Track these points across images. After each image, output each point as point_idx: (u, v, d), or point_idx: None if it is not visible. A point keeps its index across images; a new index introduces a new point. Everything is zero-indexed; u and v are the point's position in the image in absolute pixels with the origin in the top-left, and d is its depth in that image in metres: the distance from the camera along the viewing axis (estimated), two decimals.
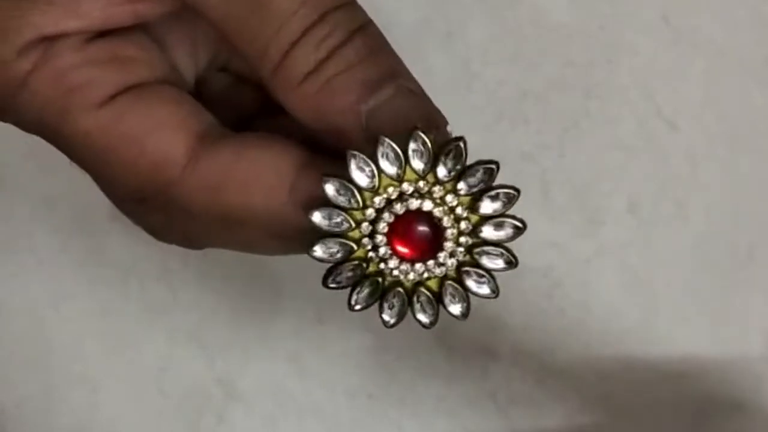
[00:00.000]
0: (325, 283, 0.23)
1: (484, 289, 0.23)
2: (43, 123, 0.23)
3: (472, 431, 0.36)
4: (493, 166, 0.22)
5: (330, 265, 0.23)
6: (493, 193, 0.22)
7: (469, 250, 0.23)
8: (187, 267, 0.36)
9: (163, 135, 0.23)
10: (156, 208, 0.24)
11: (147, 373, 0.36)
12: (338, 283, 0.23)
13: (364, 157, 0.22)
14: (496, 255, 0.23)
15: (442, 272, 0.23)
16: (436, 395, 0.36)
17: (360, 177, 0.22)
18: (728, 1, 0.37)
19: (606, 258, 0.36)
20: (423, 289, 0.23)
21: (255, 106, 0.27)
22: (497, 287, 0.23)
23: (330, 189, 0.22)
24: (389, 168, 0.22)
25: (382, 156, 0.22)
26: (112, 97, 0.23)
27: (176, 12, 0.24)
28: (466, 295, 0.23)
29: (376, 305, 0.23)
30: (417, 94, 0.23)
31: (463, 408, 0.36)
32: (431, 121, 0.23)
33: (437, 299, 0.23)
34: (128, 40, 0.24)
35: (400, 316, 0.23)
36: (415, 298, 0.23)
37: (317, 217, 0.22)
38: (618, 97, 0.37)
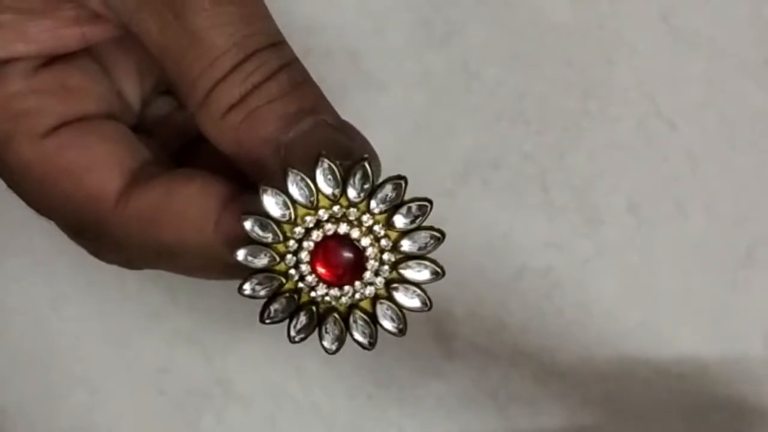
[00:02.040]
0: (261, 320, 0.24)
1: (415, 302, 0.24)
2: None
3: (472, 431, 0.36)
4: (401, 182, 0.23)
5: (264, 300, 0.23)
6: (405, 207, 0.23)
7: (394, 266, 0.23)
8: None
9: (99, 172, 0.24)
10: (92, 239, 0.25)
11: (146, 374, 0.36)
12: (273, 318, 0.24)
13: (276, 189, 0.22)
14: (421, 267, 0.24)
15: (371, 292, 0.24)
16: (435, 395, 0.36)
17: (275, 209, 0.23)
18: (728, 2, 0.37)
19: (606, 258, 0.36)
20: (358, 311, 0.24)
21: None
22: (428, 299, 0.24)
23: (249, 226, 0.23)
24: (301, 197, 0.22)
25: (293, 185, 0.22)
26: (56, 128, 0.24)
27: (122, 37, 0.25)
28: (400, 311, 0.24)
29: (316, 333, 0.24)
30: (336, 128, 0.24)
31: (462, 408, 0.36)
32: (344, 150, 0.24)
33: (372, 319, 0.24)
34: (76, 67, 0.25)
35: (341, 341, 0.24)
36: (351, 321, 0.24)
37: (242, 255, 0.23)
38: (618, 97, 0.37)
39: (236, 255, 0.23)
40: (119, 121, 0.26)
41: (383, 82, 0.36)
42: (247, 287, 0.23)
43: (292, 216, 0.23)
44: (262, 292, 0.23)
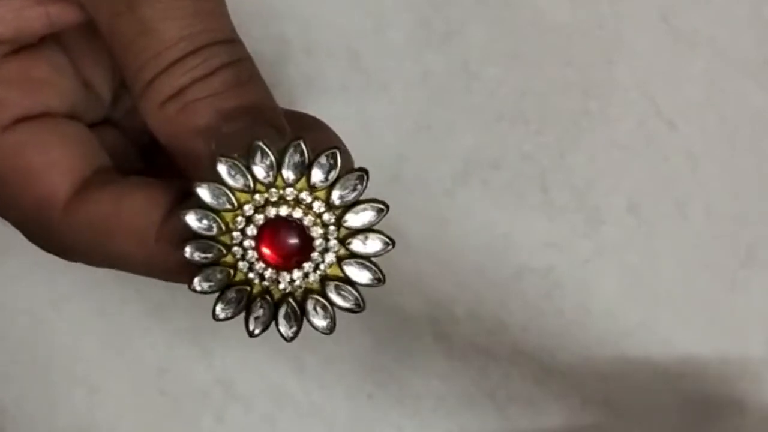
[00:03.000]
0: (214, 317, 0.24)
1: (347, 303, 0.24)
2: None
3: (472, 431, 0.36)
4: (336, 152, 0.22)
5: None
6: (342, 180, 0.23)
7: (341, 242, 0.23)
8: None
9: (51, 176, 0.24)
10: (42, 240, 0.25)
11: (146, 374, 0.36)
12: (227, 312, 0.24)
13: (210, 181, 0.22)
14: (370, 239, 0.23)
15: (322, 271, 0.23)
16: (435, 395, 0.36)
17: (211, 199, 0.22)
18: (728, 2, 0.37)
19: (606, 258, 0.36)
20: (290, 300, 0.23)
21: None
22: (361, 301, 0.23)
23: (190, 219, 0.22)
24: (236, 182, 0.22)
25: (225, 172, 0.22)
26: (17, 122, 0.24)
27: (91, 23, 0.24)
28: (331, 309, 0.23)
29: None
30: (276, 128, 0.24)
31: (462, 408, 0.36)
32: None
33: (302, 311, 0.24)
34: (42, 58, 0.25)
35: (298, 326, 0.24)
36: (307, 306, 0.24)
37: (189, 251, 0.23)
38: (618, 97, 0.37)
39: (184, 252, 0.23)
40: (84, 116, 0.26)
41: (383, 82, 0.36)
42: (197, 283, 0.23)
43: (234, 203, 0.22)
44: (213, 287, 0.23)
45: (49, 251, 0.26)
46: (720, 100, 0.37)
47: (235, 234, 0.23)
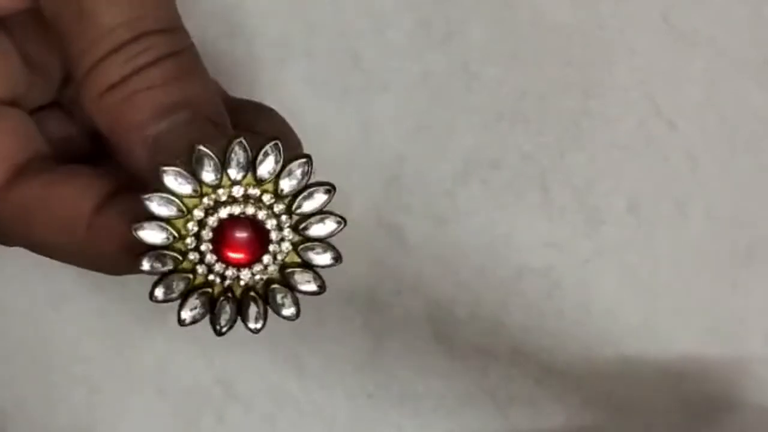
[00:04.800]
0: (180, 323, 0.24)
1: (311, 286, 0.24)
2: None
3: (472, 431, 0.36)
4: (277, 143, 0.23)
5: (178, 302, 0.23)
6: (287, 170, 0.23)
7: (295, 229, 0.23)
8: None
9: None
10: None
11: (146, 373, 0.36)
12: (194, 317, 0.24)
13: (159, 193, 0.22)
14: (323, 222, 0.24)
15: (281, 260, 0.24)
16: (435, 395, 0.36)
17: (163, 210, 0.22)
18: (728, 2, 0.37)
19: (606, 258, 0.36)
20: (252, 294, 0.24)
21: None
22: (323, 283, 0.24)
23: (146, 236, 0.22)
24: (183, 190, 0.22)
25: (176, 182, 0.22)
26: None
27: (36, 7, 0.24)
28: (294, 296, 0.24)
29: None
30: (215, 123, 0.24)
31: (462, 408, 0.36)
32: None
33: (265, 303, 0.24)
34: None
35: (264, 318, 0.24)
36: (271, 299, 0.24)
37: (147, 265, 0.23)
38: (618, 97, 0.37)
39: (142, 266, 0.23)
40: (27, 100, 0.26)
41: (384, 82, 0.36)
42: (159, 293, 0.23)
43: (183, 209, 0.22)
44: (175, 295, 0.23)
45: None
46: (720, 100, 0.37)
47: (189, 240, 0.23)
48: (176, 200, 0.22)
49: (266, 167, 0.23)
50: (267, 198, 0.23)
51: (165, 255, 0.23)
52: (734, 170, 0.37)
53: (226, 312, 0.24)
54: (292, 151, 0.24)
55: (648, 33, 0.37)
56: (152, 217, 0.22)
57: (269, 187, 0.23)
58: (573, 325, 0.36)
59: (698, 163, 0.37)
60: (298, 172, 0.23)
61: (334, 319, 0.36)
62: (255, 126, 0.27)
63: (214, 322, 0.24)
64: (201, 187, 0.22)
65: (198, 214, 0.23)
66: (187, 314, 0.24)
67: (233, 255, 0.23)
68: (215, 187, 0.22)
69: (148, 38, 0.23)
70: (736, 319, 0.37)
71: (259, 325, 0.24)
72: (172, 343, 0.36)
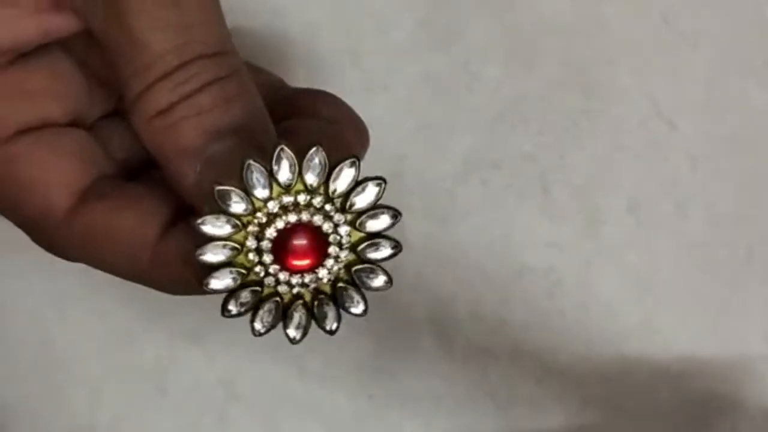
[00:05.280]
0: (223, 313, 0.24)
1: (378, 281, 0.24)
2: None
3: (472, 431, 0.36)
4: (355, 161, 0.23)
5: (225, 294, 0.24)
6: (360, 187, 0.23)
7: (353, 247, 0.24)
8: None
9: (49, 189, 0.24)
10: (42, 244, 0.26)
11: (148, 373, 0.36)
12: (239, 310, 0.24)
13: (212, 215, 0.22)
14: (381, 245, 0.24)
15: (334, 275, 0.24)
16: (436, 395, 0.36)
17: (218, 231, 0.23)
18: (728, 2, 0.37)
19: (606, 258, 0.37)
20: (300, 303, 0.24)
21: None
22: (390, 277, 0.24)
23: (210, 258, 0.23)
24: (235, 206, 0.23)
25: (231, 199, 0.22)
26: (16, 135, 0.24)
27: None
28: (339, 312, 0.24)
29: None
30: (262, 148, 0.24)
31: (463, 408, 0.36)
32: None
33: (335, 303, 0.24)
34: (39, 67, 0.25)
35: (305, 329, 0.25)
36: (315, 308, 0.24)
37: (214, 284, 0.23)
38: (618, 97, 0.37)
39: (210, 286, 0.23)
40: (88, 116, 0.26)
41: (384, 82, 0.36)
42: (232, 307, 0.24)
43: (239, 226, 0.23)
44: (246, 307, 0.24)
45: (52, 254, 0.26)
46: (720, 100, 0.37)
47: (251, 255, 0.23)
48: (231, 218, 0.23)
49: (313, 173, 0.23)
50: (318, 201, 0.23)
51: (231, 272, 0.23)
52: (734, 170, 0.37)
53: (299, 318, 0.24)
54: (357, 136, 0.25)
55: (648, 33, 0.37)
56: (210, 239, 0.23)
57: (320, 190, 0.23)
58: (573, 325, 0.36)
59: (698, 163, 0.37)
60: (347, 173, 0.23)
61: None
62: (317, 114, 0.27)
63: (287, 330, 0.24)
64: (253, 202, 0.23)
65: (253, 229, 0.23)
66: (259, 325, 0.24)
67: (297, 263, 0.24)
68: (267, 200, 0.23)
69: (195, 64, 0.23)
70: (736, 319, 0.37)
71: (299, 335, 0.24)
72: (173, 343, 0.36)
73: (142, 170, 0.27)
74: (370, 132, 0.36)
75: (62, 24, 0.24)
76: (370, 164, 0.36)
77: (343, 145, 0.26)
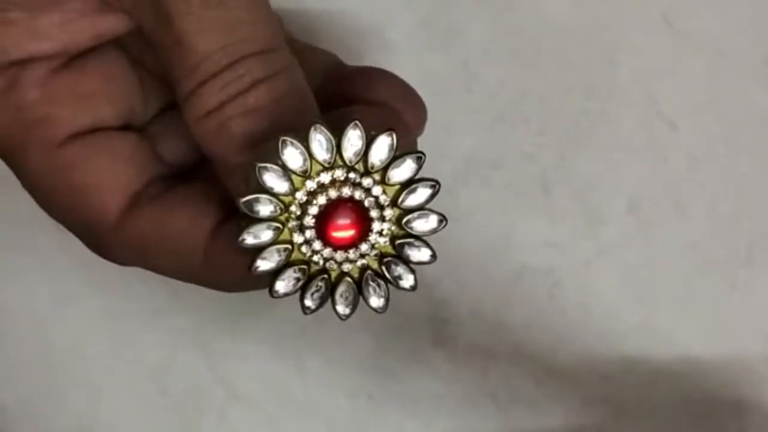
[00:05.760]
0: (271, 293, 0.24)
1: (423, 255, 0.24)
2: (2, 151, 0.25)
3: (472, 431, 0.36)
4: (392, 136, 0.23)
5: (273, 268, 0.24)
6: (398, 161, 0.23)
7: (397, 221, 0.24)
8: None
9: (102, 194, 0.25)
10: (95, 248, 0.26)
11: (148, 373, 0.36)
12: (286, 290, 0.24)
13: (256, 196, 0.22)
14: (425, 218, 0.24)
15: (378, 250, 0.24)
16: (436, 395, 0.36)
17: (262, 210, 0.23)
18: (729, 2, 0.37)
19: (606, 258, 0.37)
20: (348, 279, 0.24)
21: None
22: (434, 251, 0.24)
23: (251, 240, 0.23)
24: (279, 185, 0.23)
25: (274, 178, 0.23)
26: (68, 139, 0.24)
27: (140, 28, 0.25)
28: (387, 287, 0.24)
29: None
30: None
31: (463, 408, 0.36)
32: None
33: (383, 279, 0.24)
34: (92, 69, 0.25)
35: (354, 305, 0.24)
36: (363, 284, 0.24)
37: (261, 265, 0.23)
38: (618, 97, 0.37)
39: (257, 268, 0.23)
40: (141, 116, 0.27)
41: None
42: (280, 287, 0.23)
43: (282, 206, 0.23)
44: (274, 267, 0.23)
45: (105, 258, 0.26)
46: (720, 100, 0.37)
47: (296, 236, 0.23)
48: (273, 198, 0.23)
49: (351, 148, 0.23)
50: (354, 176, 0.23)
51: (278, 251, 0.23)
52: (734, 170, 0.37)
53: (347, 295, 0.24)
54: (415, 113, 0.25)
55: (648, 33, 0.37)
56: (254, 220, 0.23)
57: (359, 166, 0.23)
58: (573, 325, 0.36)
59: (698, 163, 0.37)
60: (383, 141, 0.23)
61: (334, 319, 0.36)
62: (374, 94, 0.27)
63: (336, 306, 0.24)
64: (292, 180, 0.23)
65: (295, 209, 0.23)
66: (309, 302, 0.24)
67: (340, 235, 0.23)
68: (306, 177, 0.23)
69: (243, 63, 0.23)
70: (736, 319, 0.37)
71: (348, 310, 0.24)
72: (173, 343, 0.36)
73: (195, 168, 0.27)
74: None
75: (114, 25, 0.25)
76: None
77: (402, 128, 0.26)
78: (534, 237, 0.36)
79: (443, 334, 0.36)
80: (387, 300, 0.24)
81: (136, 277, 0.36)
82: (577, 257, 0.36)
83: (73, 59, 0.25)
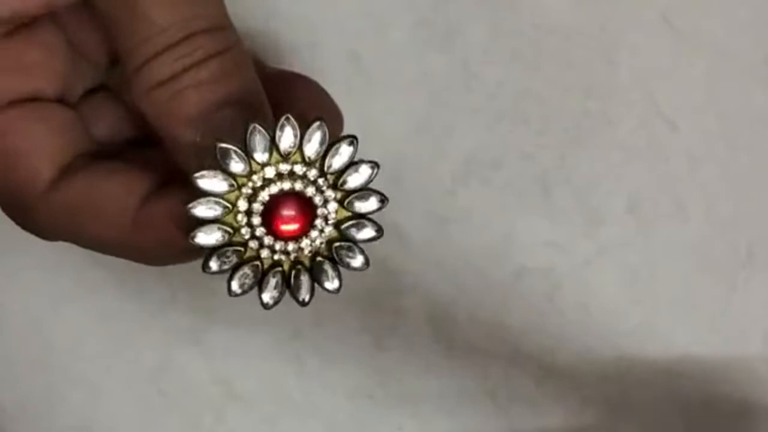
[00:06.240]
0: (230, 292, 0.24)
1: (368, 233, 0.25)
2: None
3: (472, 431, 0.36)
4: (321, 122, 0.24)
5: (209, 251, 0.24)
6: (333, 149, 0.24)
7: (341, 203, 0.25)
8: (187, 267, 0.36)
9: (33, 160, 0.25)
10: (21, 219, 0.26)
11: (146, 373, 0.36)
12: (243, 288, 0.24)
13: (211, 170, 0.23)
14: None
15: (327, 234, 0.25)
16: (436, 395, 0.36)
17: (217, 186, 0.23)
18: (729, 2, 0.37)
19: (606, 258, 0.37)
20: (300, 267, 0.25)
21: None
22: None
23: (201, 212, 0.23)
24: (236, 167, 0.23)
25: (232, 158, 0.23)
26: (6, 106, 0.25)
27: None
28: (338, 270, 0.25)
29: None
30: (263, 120, 0.25)
31: (462, 408, 0.36)
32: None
33: (311, 276, 0.25)
34: (36, 40, 0.26)
35: (278, 298, 0.25)
36: (317, 271, 0.25)
37: (200, 238, 0.24)
38: (618, 97, 0.37)
39: (196, 240, 0.24)
40: (74, 92, 0.27)
41: (383, 82, 0.36)
42: (213, 264, 0.24)
43: (235, 187, 0.24)
44: (226, 267, 0.24)
45: (29, 231, 0.27)
46: (721, 100, 0.37)
47: (240, 216, 0.24)
48: (229, 177, 0.23)
49: (313, 146, 0.24)
50: (312, 174, 0.24)
51: (219, 228, 0.24)
52: (734, 170, 0.37)
53: (274, 285, 0.25)
54: (331, 121, 0.25)
55: (648, 33, 0.37)
56: (205, 194, 0.23)
57: (316, 164, 0.24)
58: (573, 325, 0.36)
59: (698, 163, 0.37)
60: (345, 150, 0.24)
61: (334, 319, 0.36)
62: (292, 96, 0.28)
63: (262, 294, 0.25)
64: (251, 164, 0.23)
65: (247, 191, 0.24)
66: (236, 285, 0.24)
67: (284, 227, 0.24)
68: (265, 165, 0.24)
69: (197, 38, 0.24)
70: (736, 319, 0.37)
71: (307, 298, 0.25)
72: (172, 343, 0.36)
73: (120, 151, 0.27)
74: (370, 131, 0.36)
75: None
76: None
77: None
78: (534, 237, 0.36)
79: (443, 333, 0.36)
80: (311, 295, 0.25)
81: (134, 277, 0.36)
82: (577, 257, 0.36)
83: (18, 28, 0.25)
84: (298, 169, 0.24)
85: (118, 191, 0.25)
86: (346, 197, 0.25)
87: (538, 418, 0.36)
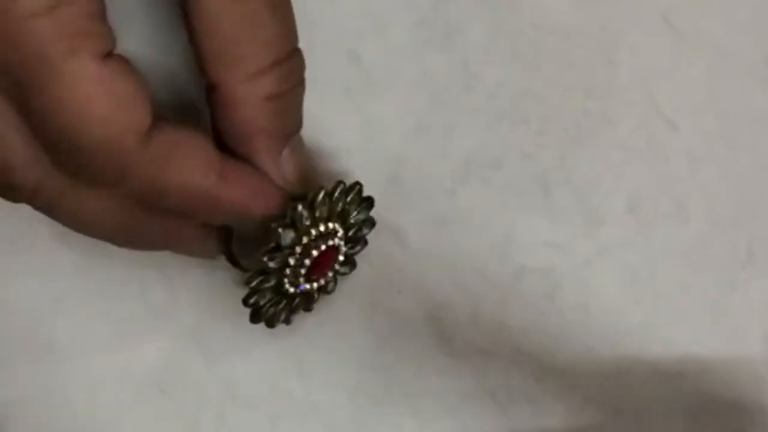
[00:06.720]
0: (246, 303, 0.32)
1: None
2: (42, 57, 0.25)
3: (472, 430, 0.36)
4: (370, 200, 0.32)
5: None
6: (353, 206, 0.32)
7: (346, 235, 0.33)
8: (187, 267, 0.36)
9: (136, 105, 0.26)
10: (112, 166, 0.26)
11: (147, 373, 0.36)
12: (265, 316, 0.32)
13: (285, 226, 0.29)
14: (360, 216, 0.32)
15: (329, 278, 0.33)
16: (436, 395, 0.36)
17: (286, 240, 0.30)
18: (729, 2, 0.37)
19: (606, 258, 0.36)
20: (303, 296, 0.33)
21: None
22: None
23: (284, 236, 0.30)
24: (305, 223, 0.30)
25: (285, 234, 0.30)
26: (109, 55, 0.25)
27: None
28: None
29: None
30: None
31: (462, 407, 0.36)
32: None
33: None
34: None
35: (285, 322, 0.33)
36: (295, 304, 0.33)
37: (283, 235, 0.30)
38: (618, 97, 0.37)
39: (275, 230, 0.29)
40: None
41: (384, 82, 0.36)
42: (250, 300, 0.31)
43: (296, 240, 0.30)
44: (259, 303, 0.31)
45: (115, 182, 0.27)
46: (721, 100, 0.37)
47: (288, 271, 0.31)
48: (285, 250, 0.30)
49: (352, 213, 0.31)
50: (341, 233, 0.31)
51: (280, 256, 0.30)
52: (734, 170, 0.37)
53: (283, 318, 0.33)
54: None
55: (648, 33, 0.37)
56: (278, 247, 0.30)
57: (339, 222, 0.31)
58: (573, 325, 0.36)
59: (698, 163, 0.37)
60: (365, 212, 0.32)
61: (334, 319, 0.36)
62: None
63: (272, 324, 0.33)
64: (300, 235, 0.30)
65: (296, 255, 0.30)
66: (259, 320, 0.32)
67: (317, 275, 0.32)
68: (308, 228, 0.30)
69: (294, 58, 0.29)
70: (736, 319, 0.37)
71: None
72: (172, 343, 0.36)
73: None
74: (370, 131, 0.36)
75: None
76: (370, 164, 0.36)
77: None
78: (534, 237, 0.36)
79: (443, 333, 0.36)
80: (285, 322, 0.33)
81: (135, 276, 0.36)
82: (577, 257, 0.36)
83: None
84: (331, 226, 0.30)
85: (204, 143, 0.27)
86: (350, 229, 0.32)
87: (538, 417, 0.36)
